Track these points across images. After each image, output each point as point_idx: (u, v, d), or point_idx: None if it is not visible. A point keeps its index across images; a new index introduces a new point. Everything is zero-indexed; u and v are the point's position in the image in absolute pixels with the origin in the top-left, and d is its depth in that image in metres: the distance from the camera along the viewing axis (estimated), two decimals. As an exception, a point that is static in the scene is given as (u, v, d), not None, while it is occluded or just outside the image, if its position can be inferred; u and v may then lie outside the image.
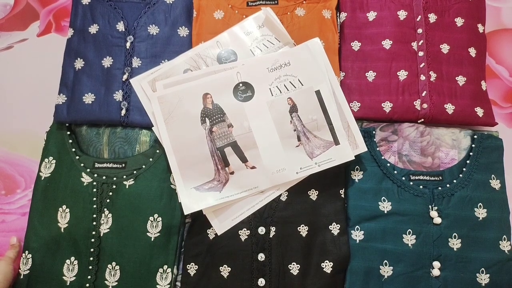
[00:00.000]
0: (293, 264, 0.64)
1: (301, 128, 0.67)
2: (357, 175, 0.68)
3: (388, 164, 0.68)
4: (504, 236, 0.64)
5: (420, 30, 0.73)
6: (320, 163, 0.65)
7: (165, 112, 0.67)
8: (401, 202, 0.65)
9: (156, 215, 0.66)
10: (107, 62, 0.72)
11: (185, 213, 0.64)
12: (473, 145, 0.68)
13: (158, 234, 0.65)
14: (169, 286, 0.64)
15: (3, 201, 0.74)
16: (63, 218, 0.66)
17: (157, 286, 0.64)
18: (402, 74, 0.71)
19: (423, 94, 0.70)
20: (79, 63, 0.73)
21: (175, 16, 0.75)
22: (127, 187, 0.67)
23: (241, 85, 0.68)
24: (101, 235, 0.65)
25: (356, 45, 0.74)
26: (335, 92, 0.68)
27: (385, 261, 0.63)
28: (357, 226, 0.65)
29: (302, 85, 0.68)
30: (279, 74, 0.68)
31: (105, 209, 0.66)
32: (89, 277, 0.64)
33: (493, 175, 0.66)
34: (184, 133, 0.66)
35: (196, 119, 0.67)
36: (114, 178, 0.67)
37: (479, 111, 0.70)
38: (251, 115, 0.67)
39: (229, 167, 0.66)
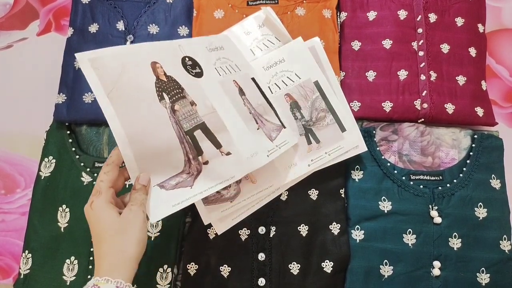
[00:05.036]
0: (293, 264, 0.64)
1: (253, 111, 0.61)
2: (357, 175, 0.68)
3: (388, 164, 0.67)
4: (505, 236, 0.64)
5: (420, 30, 0.73)
6: (280, 146, 0.61)
7: (105, 83, 0.48)
8: (401, 201, 0.65)
9: (156, 215, 0.66)
10: (107, 61, 0.72)
11: (152, 221, 0.49)
12: (473, 145, 0.68)
13: (158, 233, 0.65)
14: (169, 286, 0.64)
15: (3, 200, 0.74)
16: (63, 217, 0.66)
17: (157, 286, 0.64)
18: (402, 74, 0.71)
19: (423, 94, 0.70)
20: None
21: (175, 16, 0.75)
22: (127, 186, 0.67)
23: (187, 59, 0.56)
24: (101, 234, 0.65)
25: (356, 45, 0.74)
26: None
27: (385, 260, 0.63)
28: (357, 226, 0.65)
29: (240, 70, 0.63)
30: (218, 55, 0.62)
31: (105, 209, 0.66)
32: (89, 277, 0.64)
33: (493, 175, 0.66)
34: (137, 112, 0.50)
35: (151, 93, 0.51)
36: (114, 178, 0.67)
37: (479, 111, 0.70)
38: (209, 93, 0.56)
39: (203, 156, 0.53)
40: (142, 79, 0.51)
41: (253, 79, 0.64)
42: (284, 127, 0.64)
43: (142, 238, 0.45)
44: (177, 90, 0.53)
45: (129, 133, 0.49)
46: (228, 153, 0.55)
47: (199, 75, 0.56)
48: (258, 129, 0.60)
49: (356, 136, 0.65)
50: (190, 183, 0.52)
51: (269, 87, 0.67)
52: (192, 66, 0.56)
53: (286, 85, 0.67)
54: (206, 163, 0.54)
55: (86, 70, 0.48)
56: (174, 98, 0.52)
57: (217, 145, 0.54)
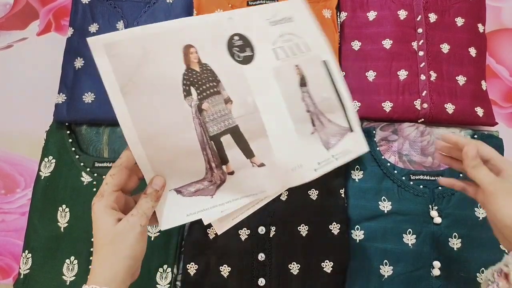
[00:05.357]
0: (293, 264, 0.64)
1: (313, 108, 0.49)
2: (357, 175, 0.68)
3: (388, 164, 0.67)
4: (504, 236, 0.64)
5: (420, 30, 0.73)
6: (337, 156, 0.49)
7: (120, 73, 0.40)
8: (401, 201, 0.65)
9: (156, 215, 0.65)
10: (107, 61, 0.72)
11: (162, 229, 0.44)
12: (473, 145, 0.68)
13: (158, 233, 0.65)
14: (169, 286, 0.64)
15: (3, 200, 0.74)
16: (63, 217, 0.66)
17: (157, 286, 0.64)
18: (402, 74, 0.71)
19: (423, 94, 0.70)
20: (79, 62, 0.72)
21: (175, 16, 0.75)
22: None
23: (236, 37, 0.46)
24: (101, 234, 0.65)
25: (356, 45, 0.74)
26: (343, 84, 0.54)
27: (385, 260, 0.63)
28: (357, 226, 0.65)
29: (310, 50, 0.49)
30: (283, 31, 0.48)
31: (105, 209, 0.66)
32: (88, 277, 0.64)
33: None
34: (156, 110, 0.42)
35: (175, 87, 0.42)
36: (114, 178, 0.67)
37: (479, 111, 0.70)
38: (255, 85, 0.45)
39: (228, 165, 0.45)
40: (167, 68, 0.42)
41: (325, 62, 0.50)
42: (352, 131, 0.51)
43: (132, 255, 0.40)
44: (211, 84, 0.44)
45: (142, 133, 0.42)
46: (262, 165, 0.46)
47: (247, 60, 0.46)
48: (312, 133, 0.49)
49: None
50: (212, 192, 0.45)
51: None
52: (240, 48, 0.46)
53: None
54: (231, 173, 0.46)
55: (100, 58, 0.40)
56: (204, 94, 0.44)
57: (249, 154, 0.46)
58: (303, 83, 0.49)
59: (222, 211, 0.45)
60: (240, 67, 0.45)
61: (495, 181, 0.44)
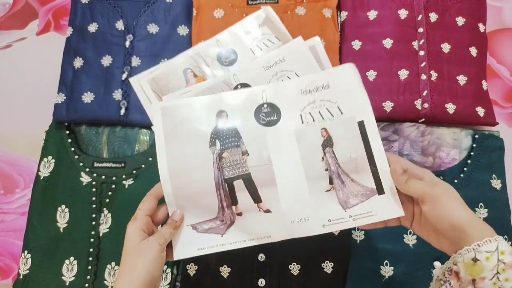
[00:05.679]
0: (294, 264, 0.64)
1: (335, 167, 0.52)
2: (357, 175, 0.67)
3: (389, 164, 0.67)
4: (505, 236, 0.63)
5: (421, 29, 0.73)
6: (356, 217, 0.50)
7: (167, 127, 0.53)
8: (401, 202, 0.65)
9: (155, 215, 0.65)
10: (106, 61, 0.72)
11: (174, 259, 0.50)
12: (474, 145, 0.68)
13: (158, 234, 0.65)
14: (169, 286, 0.64)
15: (2, 200, 0.74)
16: (62, 218, 0.66)
17: (157, 286, 0.64)
18: (403, 74, 0.71)
19: (424, 94, 0.70)
20: (78, 62, 0.72)
21: (174, 15, 0.75)
22: (126, 186, 0.67)
23: (265, 106, 0.54)
24: (101, 235, 0.65)
25: (356, 44, 0.73)
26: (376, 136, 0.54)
27: (386, 261, 0.63)
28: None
29: (342, 113, 0.53)
30: (314, 98, 0.54)
31: (105, 209, 0.66)
32: (88, 277, 0.64)
33: (494, 175, 0.66)
34: (186, 154, 0.53)
35: (204, 139, 0.53)
36: (114, 178, 0.67)
37: (480, 111, 0.70)
38: (274, 144, 0.53)
39: (237, 207, 0.52)
40: (201, 125, 0.53)
41: (361, 123, 0.53)
42: (381, 193, 0.51)
43: (150, 271, 0.45)
44: (232, 139, 0.53)
45: (172, 169, 0.51)
46: (268, 211, 0.52)
47: (271, 123, 0.54)
48: (328, 190, 0.52)
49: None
50: (222, 231, 0.52)
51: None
52: (267, 114, 0.54)
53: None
54: (239, 214, 0.52)
55: (156, 115, 0.53)
56: (226, 145, 0.53)
57: (256, 199, 0.52)
58: (328, 144, 0.53)
59: (232, 248, 0.52)
60: (263, 129, 0.53)
61: (430, 187, 0.45)
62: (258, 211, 0.52)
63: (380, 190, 0.51)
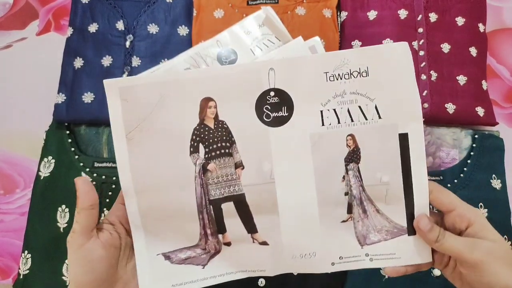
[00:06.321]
0: (294, 264, 0.64)
1: (358, 191, 0.40)
2: (357, 175, 0.67)
3: (389, 164, 0.67)
4: (505, 236, 0.63)
5: (420, 30, 0.73)
6: (374, 257, 0.41)
7: (129, 120, 0.38)
8: (401, 202, 0.65)
9: (155, 215, 0.65)
10: (106, 61, 0.72)
11: None
12: (474, 145, 0.68)
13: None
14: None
15: (2, 200, 0.74)
16: (63, 218, 0.66)
17: (157, 286, 0.63)
18: (403, 74, 0.71)
19: (424, 94, 0.70)
20: (78, 62, 0.72)
21: (175, 15, 0.75)
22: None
23: (272, 93, 0.39)
24: (101, 235, 0.65)
25: (356, 45, 0.73)
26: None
27: (386, 261, 0.63)
28: (357, 226, 0.65)
29: (380, 117, 0.39)
30: (344, 88, 0.39)
31: (105, 209, 0.66)
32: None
33: (494, 175, 0.66)
34: (157, 162, 0.39)
35: (182, 141, 0.39)
36: (114, 178, 0.67)
37: (480, 111, 0.70)
38: (280, 153, 0.39)
39: (225, 235, 0.41)
40: (178, 120, 0.38)
41: (404, 136, 0.39)
42: (411, 234, 0.40)
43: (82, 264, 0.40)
44: (223, 144, 0.39)
45: (138, 184, 0.39)
46: (264, 243, 0.40)
47: (279, 122, 0.38)
48: (345, 221, 0.41)
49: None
50: (204, 262, 0.40)
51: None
52: (273, 107, 0.38)
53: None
54: (228, 244, 0.41)
55: (112, 100, 0.38)
56: (213, 153, 0.39)
57: (251, 229, 0.40)
58: (353, 158, 0.40)
59: (216, 283, 0.41)
60: (266, 129, 0.39)
61: (475, 247, 0.35)
62: (252, 242, 0.41)
63: (411, 230, 0.40)
